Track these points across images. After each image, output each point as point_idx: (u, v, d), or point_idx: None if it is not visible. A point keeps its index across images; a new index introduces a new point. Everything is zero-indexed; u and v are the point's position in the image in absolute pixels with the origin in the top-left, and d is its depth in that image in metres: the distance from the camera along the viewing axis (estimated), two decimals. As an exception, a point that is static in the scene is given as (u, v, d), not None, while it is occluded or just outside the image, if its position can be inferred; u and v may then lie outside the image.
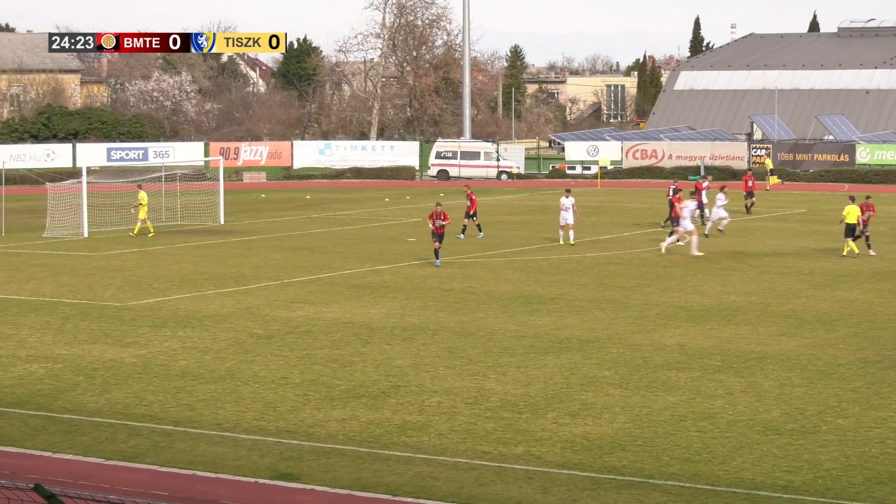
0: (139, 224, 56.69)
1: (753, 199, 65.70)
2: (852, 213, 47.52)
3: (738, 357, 29.39)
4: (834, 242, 51.78)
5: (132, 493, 19.43)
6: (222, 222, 62.26)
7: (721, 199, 55.49)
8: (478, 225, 55.00)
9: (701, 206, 61.17)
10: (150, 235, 56.05)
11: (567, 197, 51.82)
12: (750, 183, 66.07)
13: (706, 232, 54.25)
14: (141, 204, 56.57)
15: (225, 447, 22.12)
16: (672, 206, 52.87)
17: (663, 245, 49.13)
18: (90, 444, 22.35)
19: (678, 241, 49.28)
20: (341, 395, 25.83)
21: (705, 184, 63.02)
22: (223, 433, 23.00)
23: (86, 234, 56.23)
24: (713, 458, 21.40)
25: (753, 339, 31.66)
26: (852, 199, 48.32)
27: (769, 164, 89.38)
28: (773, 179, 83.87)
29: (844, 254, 47.42)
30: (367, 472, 20.68)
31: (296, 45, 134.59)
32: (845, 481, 20.16)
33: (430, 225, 45.29)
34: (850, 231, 47.56)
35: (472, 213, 54.54)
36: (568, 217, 51.51)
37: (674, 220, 52.19)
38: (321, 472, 20.70)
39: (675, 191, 54.31)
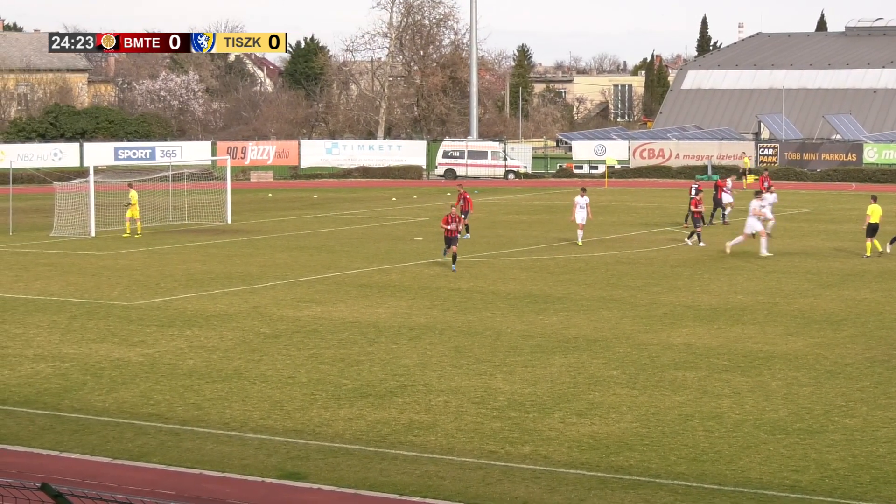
0: (139, 224, 56.31)
1: None
2: (876, 213, 47.07)
3: (745, 356, 29.37)
4: (841, 241, 51.74)
5: (139, 492, 19.44)
6: (229, 221, 62.31)
7: (771, 199, 53.61)
8: (466, 225, 54.55)
9: (721, 204, 60.95)
10: (124, 235, 55.36)
11: (582, 196, 51.56)
12: (766, 183, 65.75)
13: (768, 230, 51.98)
14: (131, 203, 56.07)
15: (232, 446, 22.14)
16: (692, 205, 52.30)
17: (729, 244, 47.87)
18: (97, 444, 22.37)
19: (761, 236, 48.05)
20: (348, 394, 25.84)
21: (729, 183, 62.84)
22: (230, 432, 23.01)
23: (93, 234, 56.28)
24: (720, 457, 21.39)
25: (760, 338, 31.64)
26: (874, 199, 47.85)
27: (747, 162, 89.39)
28: (751, 178, 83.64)
29: (868, 254, 46.94)
30: (374, 472, 20.69)
31: (303, 45, 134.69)
32: (852, 481, 20.14)
33: (444, 228, 44.43)
34: (873, 231, 47.08)
35: (469, 211, 54.34)
36: (581, 216, 51.18)
37: (695, 220, 51.66)
38: (328, 472, 20.71)
39: (697, 191, 53.68)
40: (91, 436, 22.86)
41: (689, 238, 51.64)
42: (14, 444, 22.33)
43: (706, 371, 27.81)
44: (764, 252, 46.79)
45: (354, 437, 22.64)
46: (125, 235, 55.36)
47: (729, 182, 63.43)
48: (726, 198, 61.72)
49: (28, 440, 22.61)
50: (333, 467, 20.94)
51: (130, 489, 19.58)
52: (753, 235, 47.61)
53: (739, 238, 47.44)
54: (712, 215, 60.16)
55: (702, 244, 50.60)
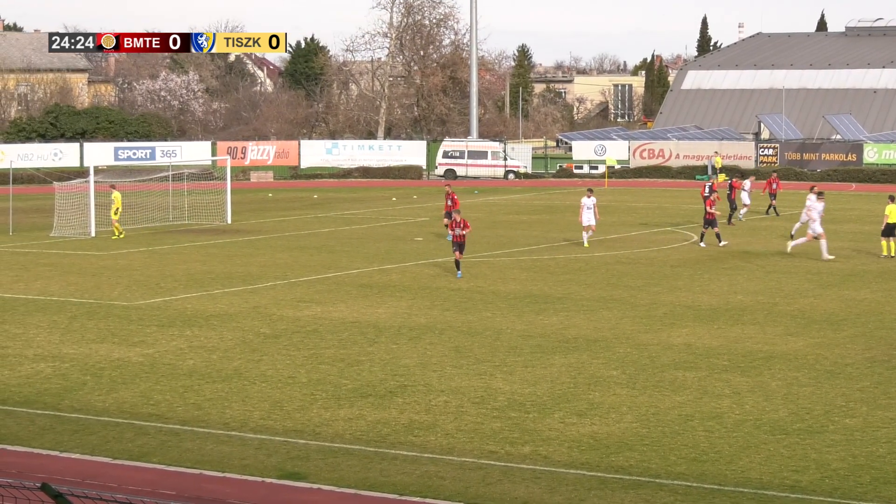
0: (117, 226, 55.88)
1: (774, 200, 65.08)
2: (893, 213, 46.85)
3: (745, 357, 29.37)
4: (841, 241, 51.70)
5: (139, 492, 19.45)
6: (229, 222, 62.30)
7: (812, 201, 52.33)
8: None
9: (733, 203, 60.71)
10: (113, 238, 55.06)
11: (589, 197, 51.16)
12: (774, 185, 65.44)
13: (797, 234, 50.63)
14: (115, 205, 55.75)
15: (232, 446, 22.14)
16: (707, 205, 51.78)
17: (790, 245, 47.48)
18: (97, 444, 22.37)
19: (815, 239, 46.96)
20: (348, 394, 25.84)
21: (747, 183, 62.60)
22: (230, 432, 23.02)
23: (93, 234, 56.27)
24: (720, 457, 21.39)
25: (760, 338, 31.64)
26: (892, 199, 47.61)
27: (718, 161, 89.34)
28: (721, 177, 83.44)
29: (885, 254, 46.67)
30: (374, 472, 20.69)
31: (303, 45, 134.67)
32: (853, 481, 20.14)
33: (450, 233, 44.20)
34: (890, 231, 46.88)
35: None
36: (588, 218, 50.83)
37: (708, 221, 50.96)
38: (328, 472, 20.71)
39: (711, 190, 52.95)
40: (91, 436, 22.87)
41: (721, 242, 50.60)
42: (14, 444, 22.34)
43: (706, 371, 27.81)
44: (825, 256, 46.28)
45: (354, 438, 22.64)
46: (114, 238, 55.17)
47: (747, 183, 63.00)
48: (745, 198, 61.44)
49: (28, 440, 22.62)
50: (333, 467, 20.95)
51: (130, 489, 19.59)
52: (816, 237, 47.05)
53: (823, 243, 46.73)
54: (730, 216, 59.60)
55: (702, 244, 50.53)
